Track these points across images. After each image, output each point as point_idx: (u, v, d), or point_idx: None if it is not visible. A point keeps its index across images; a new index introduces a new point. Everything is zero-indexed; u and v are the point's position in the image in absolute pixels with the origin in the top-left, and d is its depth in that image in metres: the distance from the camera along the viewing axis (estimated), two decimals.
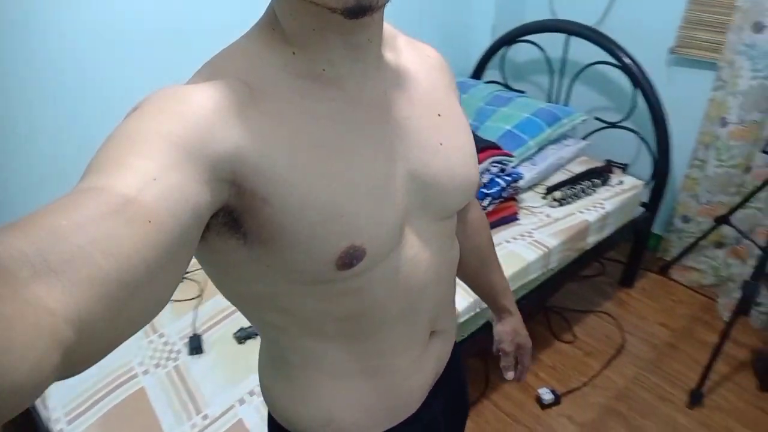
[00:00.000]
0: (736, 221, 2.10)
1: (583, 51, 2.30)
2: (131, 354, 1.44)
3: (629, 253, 2.41)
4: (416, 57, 0.64)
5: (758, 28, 1.88)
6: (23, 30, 1.51)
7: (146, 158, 0.40)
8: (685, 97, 2.22)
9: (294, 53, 0.52)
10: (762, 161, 2.08)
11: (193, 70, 0.54)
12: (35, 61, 1.56)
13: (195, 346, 1.45)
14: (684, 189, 2.37)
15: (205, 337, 1.48)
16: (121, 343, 0.37)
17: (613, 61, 2.18)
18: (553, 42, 2.45)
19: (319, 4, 0.45)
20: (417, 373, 0.73)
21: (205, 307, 1.59)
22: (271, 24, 0.53)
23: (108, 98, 1.69)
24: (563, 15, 2.52)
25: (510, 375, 1.02)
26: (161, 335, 1.50)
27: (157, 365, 1.41)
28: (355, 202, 0.53)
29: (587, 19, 2.33)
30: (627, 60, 2.13)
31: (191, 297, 1.64)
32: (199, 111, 0.46)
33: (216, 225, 0.50)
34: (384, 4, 0.45)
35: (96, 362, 0.35)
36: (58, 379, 0.32)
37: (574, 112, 2.31)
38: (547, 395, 1.89)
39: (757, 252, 1.99)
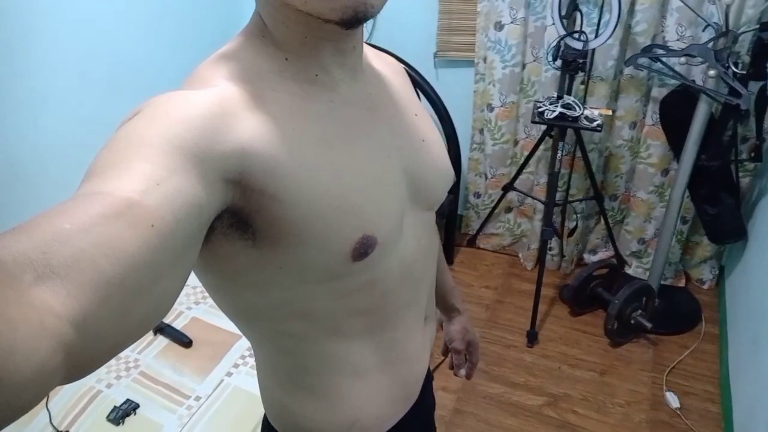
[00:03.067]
0: (518, 186, 2.52)
1: None
2: None
3: (444, 235, 2.70)
4: (382, 63, 0.68)
5: (499, 26, 2.30)
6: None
7: (149, 162, 0.40)
8: (455, 92, 2.58)
9: (287, 59, 0.53)
10: (525, 134, 2.54)
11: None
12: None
13: None
14: (471, 170, 2.75)
15: (73, 431, 1.27)
16: (129, 344, 0.37)
17: None
18: None
19: (314, 15, 0.46)
20: (421, 357, 0.76)
21: (58, 398, 1.37)
22: (260, 31, 0.53)
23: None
24: None
25: (462, 372, 1.02)
26: None
27: None
28: (362, 193, 0.55)
29: None
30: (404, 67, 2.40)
31: None
32: (203, 113, 0.45)
33: (221, 227, 0.49)
34: (376, 14, 0.48)
35: (103, 364, 0.35)
36: (65, 382, 0.32)
37: None
38: None
39: (541, 207, 2.43)
